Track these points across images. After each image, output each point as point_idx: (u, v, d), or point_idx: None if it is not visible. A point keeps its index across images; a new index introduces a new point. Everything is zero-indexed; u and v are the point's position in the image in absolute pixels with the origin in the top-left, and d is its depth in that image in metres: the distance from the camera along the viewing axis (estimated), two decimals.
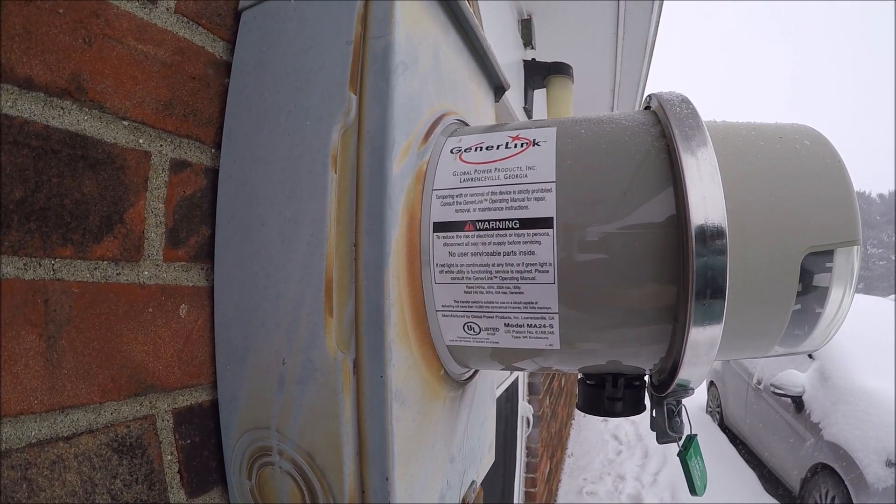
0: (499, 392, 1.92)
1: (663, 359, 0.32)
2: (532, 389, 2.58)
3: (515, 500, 2.34)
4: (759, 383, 3.87)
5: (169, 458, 0.33)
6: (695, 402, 5.72)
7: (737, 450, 4.13)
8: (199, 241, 0.37)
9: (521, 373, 2.31)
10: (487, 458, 0.54)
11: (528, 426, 2.51)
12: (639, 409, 0.37)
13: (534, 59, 1.97)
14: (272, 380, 0.32)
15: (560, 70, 1.88)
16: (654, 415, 0.37)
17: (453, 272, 0.30)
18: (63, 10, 0.27)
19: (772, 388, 3.33)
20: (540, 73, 1.91)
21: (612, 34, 2.17)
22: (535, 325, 0.30)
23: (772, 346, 0.34)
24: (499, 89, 0.58)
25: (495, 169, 0.30)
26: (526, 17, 2.01)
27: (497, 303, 0.30)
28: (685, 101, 0.30)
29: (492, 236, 0.29)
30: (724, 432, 4.64)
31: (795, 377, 3.19)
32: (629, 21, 2.03)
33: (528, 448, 2.53)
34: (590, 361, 0.33)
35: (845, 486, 2.59)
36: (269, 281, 0.32)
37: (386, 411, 0.28)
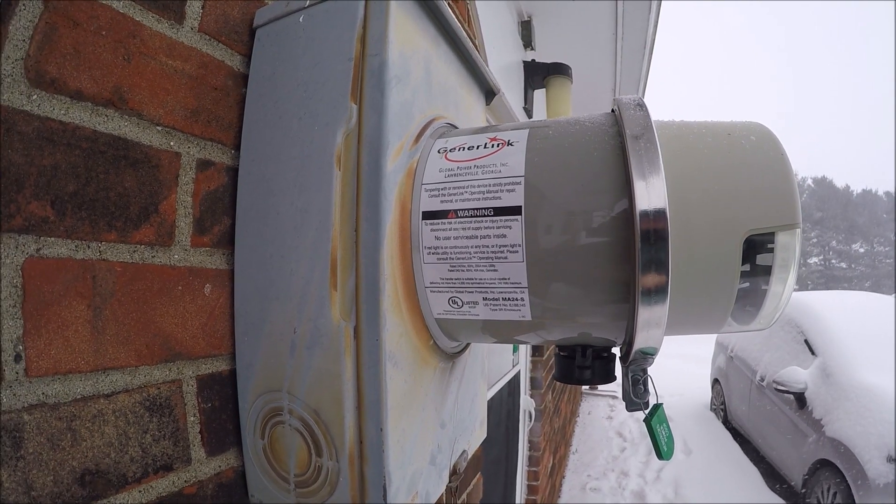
0: (500, 385, 1.96)
1: (625, 331, 0.37)
2: (534, 384, 2.62)
3: (518, 492, 2.38)
4: (763, 380, 3.88)
5: (192, 419, 0.39)
6: (699, 400, 5.73)
7: (740, 447, 4.15)
8: (221, 229, 0.42)
9: (522, 366, 2.35)
10: (479, 433, 0.58)
11: (531, 420, 2.55)
12: (609, 378, 0.41)
13: (533, 60, 2.02)
14: (285, 346, 0.37)
15: (559, 70, 1.92)
16: (623, 384, 0.41)
17: (439, 253, 0.35)
18: (105, 31, 0.33)
19: (774, 385, 3.35)
20: (539, 74, 1.95)
21: (611, 35, 2.21)
22: (509, 299, 0.35)
23: (724, 320, 0.38)
24: (489, 94, 0.63)
25: (475, 166, 0.35)
26: (526, 18, 2.05)
27: (476, 279, 0.35)
28: (639, 105, 0.35)
29: (470, 222, 0.34)
30: (728, 429, 4.66)
31: (798, 374, 3.21)
32: (628, 21, 2.07)
33: (530, 442, 2.56)
34: (561, 333, 0.38)
35: (847, 482, 2.61)
36: (282, 262, 0.37)
37: (381, 370, 0.33)
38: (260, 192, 0.40)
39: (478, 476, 1.21)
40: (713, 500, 3.07)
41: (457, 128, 0.47)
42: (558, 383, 3.28)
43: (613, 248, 0.32)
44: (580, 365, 0.38)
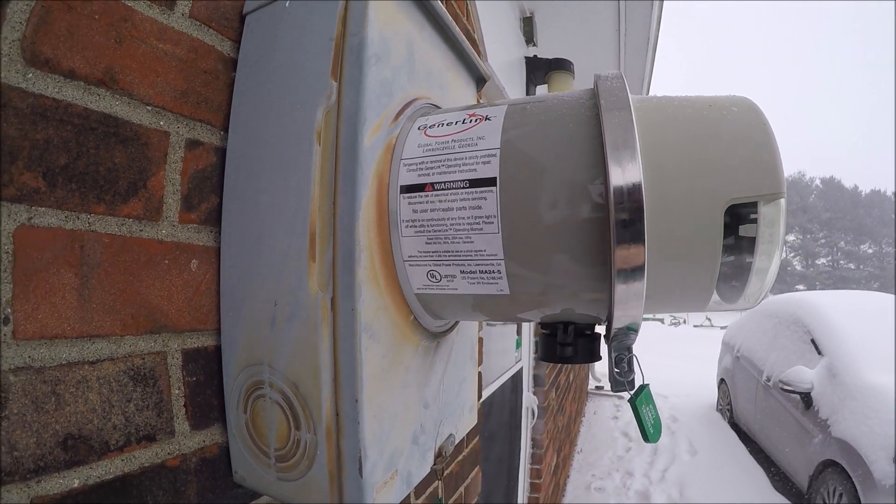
0: (502, 381, 1.96)
1: (606, 307, 0.37)
2: (537, 381, 2.61)
3: (520, 489, 2.37)
4: (769, 380, 3.85)
5: (176, 391, 0.40)
6: (705, 401, 5.70)
7: (746, 447, 4.12)
8: (209, 207, 0.43)
9: (525, 363, 2.35)
10: (468, 418, 0.59)
11: (533, 417, 2.54)
12: (593, 357, 0.41)
13: (535, 56, 2.02)
14: (266, 320, 0.38)
15: (561, 66, 1.92)
16: (608, 364, 0.41)
17: (416, 226, 0.36)
18: (98, 15, 0.34)
19: (780, 385, 3.32)
20: (541, 70, 1.96)
21: (614, 31, 2.22)
22: (486, 272, 0.35)
23: (708, 295, 0.36)
24: (480, 80, 0.64)
25: (452, 140, 0.36)
26: (528, 14, 2.06)
27: (452, 251, 0.35)
28: (617, 77, 0.35)
29: (447, 195, 0.35)
30: (734, 430, 4.63)
31: (804, 374, 3.18)
32: (630, 18, 2.08)
33: (533, 439, 2.56)
34: (542, 309, 0.38)
35: (852, 482, 2.58)
36: (265, 237, 0.38)
37: (356, 341, 0.34)
38: (245, 171, 0.41)
39: (476, 470, 1.21)
40: (718, 501, 3.05)
41: (440, 108, 0.47)
42: (562, 381, 3.27)
43: (591, 222, 0.32)
44: (562, 342, 0.39)
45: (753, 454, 3.99)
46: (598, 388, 6.29)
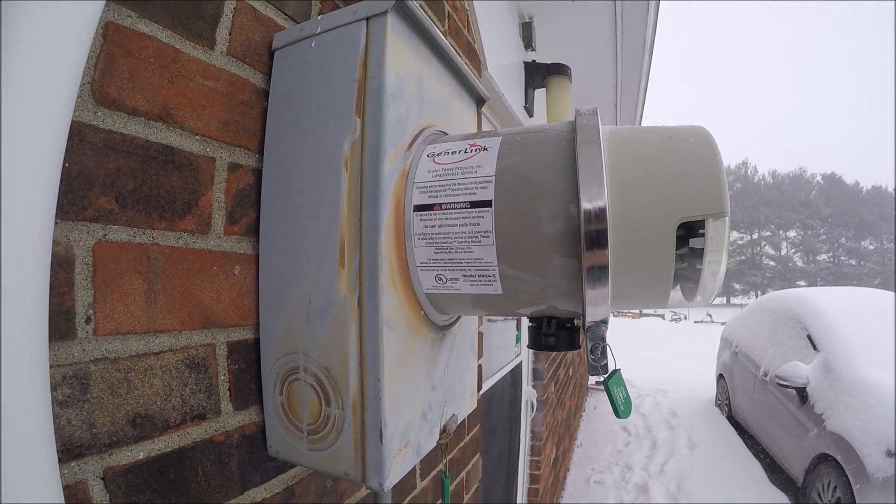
0: (502, 374, 2.03)
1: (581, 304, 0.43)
2: (536, 375, 2.68)
3: (520, 481, 2.44)
4: (766, 375, 3.92)
5: (222, 377, 0.47)
6: (704, 396, 5.78)
7: (743, 441, 4.19)
8: (248, 220, 0.50)
9: (524, 358, 2.41)
10: (469, 402, 0.66)
11: (533, 410, 2.61)
12: (573, 345, 0.48)
13: (534, 61, 2.07)
14: (301, 316, 0.45)
15: (559, 71, 1.97)
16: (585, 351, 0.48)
17: (427, 238, 0.43)
18: (153, 58, 0.41)
19: (776, 380, 3.39)
20: (540, 74, 2.01)
21: (611, 34, 2.27)
22: (483, 276, 0.42)
23: (667, 295, 0.43)
24: (480, 101, 0.70)
25: (456, 167, 0.43)
26: (527, 20, 2.11)
27: (456, 259, 0.42)
28: (593, 114, 0.42)
29: (452, 213, 0.42)
30: (732, 424, 4.70)
31: (800, 369, 3.24)
32: (627, 22, 2.13)
33: (532, 431, 2.63)
34: (531, 306, 0.45)
35: (846, 476, 2.64)
36: (299, 247, 0.45)
37: (378, 332, 0.41)
38: (280, 190, 0.48)
39: (477, 457, 1.27)
40: (715, 494, 3.12)
41: (446, 133, 0.54)
42: (561, 376, 3.34)
43: (566, 237, 0.39)
44: (545, 333, 0.46)
45: (751, 448, 4.06)
46: (598, 383, 6.37)
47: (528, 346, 0.49)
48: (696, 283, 0.46)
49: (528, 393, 2.49)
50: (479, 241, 0.41)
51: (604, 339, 0.46)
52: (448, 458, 1.05)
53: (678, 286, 0.45)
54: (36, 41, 0.29)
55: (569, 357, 3.79)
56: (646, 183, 0.40)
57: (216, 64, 0.47)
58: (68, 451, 0.34)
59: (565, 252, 0.40)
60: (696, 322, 21.12)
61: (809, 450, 3.07)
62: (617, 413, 0.49)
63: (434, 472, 0.97)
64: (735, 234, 55.71)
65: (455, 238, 0.42)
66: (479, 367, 1.20)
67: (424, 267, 0.44)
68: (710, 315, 23.91)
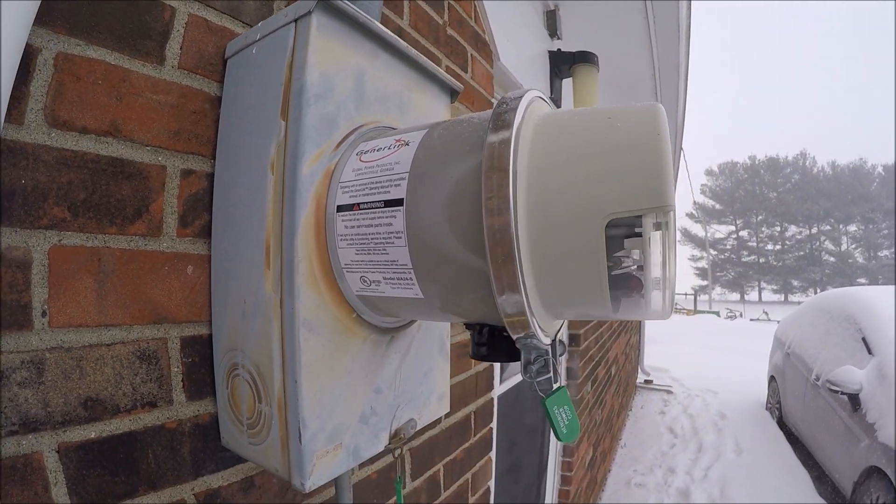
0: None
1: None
2: (570, 374, 2.62)
3: (549, 482, 2.40)
4: (818, 379, 3.58)
5: (175, 369, 0.50)
6: (755, 398, 5.43)
7: (792, 448, 3.89)
8: (201, 223, 0.53)
9: (557, 357, 2.36)
10: (436, 407, 0.64)
11: None
12: (511, 356, 0.42)
13: (559, 50, 2.00)
14: (239, 314, 0.47)
15: (584, 59, 1.89)
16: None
17: (348, 239, 0.44)
18: (101, 81, 0.44)
19: (828, 385, 3.09)
20: (565, 63, 1.93)
21: (642, 18, 2.15)
22: (401, 278, 0.42)
23: (606, 306, 0.36)
24: (453, 93, 0.68)
25: (377, 165, 0.43)
26: (552, 7, 2.04)
27: (375, 261, 0.42)
28: (514, 99, 0.37)
29: (369, 213, 0.42)
30: (782, 429, 4.38)
31: (853, 374, 2.93)
32: (658, 4, 2.02)
33: None
34: (457, 313, 0.42)
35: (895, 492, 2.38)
36: (238, 247, 0.47)
37: (295, 333, 0.42)
38: (226, 193, 0.50)
39: (485, 459, 1.25)
40: (758, 502, 2.92)
41: (394, 128, 0.54)
42: (601, 375, 3.24)
43: (476, 241, 0.36)
44: (477, 342, 0.43)
45: (799, 455, 3.75)
46: (646, 381, 6.10)
47: (470, 355, 0.47)
48: (642, 292, 0.37)
49: None
50: (393, 242, 0.41)
51: (547, 353, 0.42)
52: (449, 459, 1.05)
53: (633, 295, 0.39)
54: None
55: (611, 355, 3.66)
56: (570, 175, 0.34)
57: (167, 78, 0.50)
58: (25, 426, 0.39)
59: (474, 262, 0.37)
60: (751, 320, 19.84)
61: (860, 461, 2.75)
62: (557, 436, 0.45)
63: (430, 473, 0.97)
64: (794, 229, 51.33)
65: (372, 238, 0.42)
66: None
67: (349, 268, 0.45)
68: (766, 313, 22.37)
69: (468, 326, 0.46)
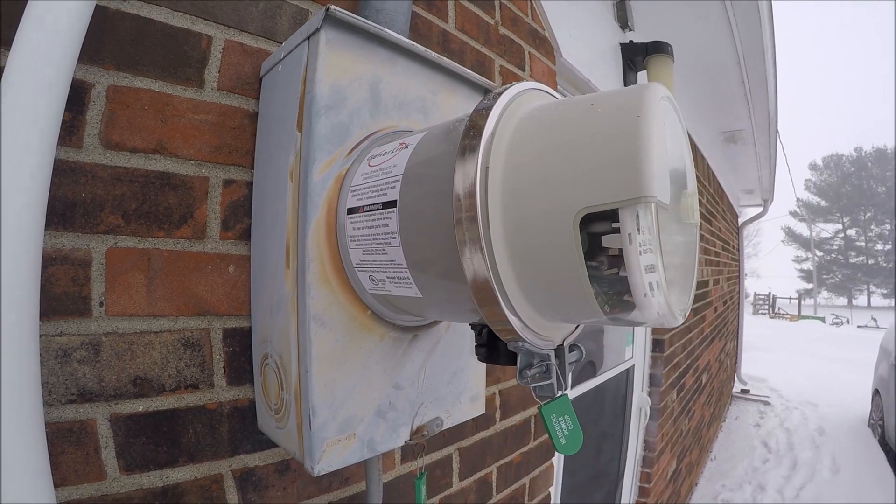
0: (602, 379, 1.92)
1: None
2: (653, 381, 2.47)
3: (625, 490, 2.28)
4: None
5: (217, 356, 0.56)
6: (857, 413, 4.80)
7: (893, 470, 3.34)
8: (242, 227, 0.58)
9: (638, 361, 2.24)
10: (467, 408, 0.64)
11: (645, 418, 2.42)
12: (512, 360, 0.41)
13: (631, 41, 1.90)
14: (268, 309, 0.51)
15: (658, 49, 1.78)
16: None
17: (356, 240, 0.46)
18: (147, 106, 0.51)
19: None
20: (639, 55, 1.83)
21: (719, 3, 1.99)
22: (401, 278, 0.43)
23: (592, 309, 0.33)
24: (486, 92, 0.68)
25: (379, 168, 0.45)
26: None
27: (378, 261, 0.44)
28: (497, 95, 0.36)
29: (370, 215, 0.44)
30: (883, 449, 3.79)
31: None
32: None
33: (645, 441, 2.43)
34: (456, 313, 0.42)
35: None
36: (269, 248, 0.52)
37: (307, 328, 0.45)
38: (260, 201, 0.55)
39: (547, 464, 1.21)
40: None
41: (410, 131, 0.55)
42: (688, 383, 3.00)
43: (456, 248, 0.34)
44: (477, 343, 0.43)
45: None
46: (743, 391, 5.53)
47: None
48: (629, 295, 0.32)
49: (641, 399, 2.29)
50: (389, 243, 0.42)
51: (549, 358, 0.40)
52: (504, 462, 1.04)
53: (627, 299, 0.33)
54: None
55: (701, 362, 3.38)
56: (543, 169, 0.32)
57: (206, 99, 0.55)
58: (82, 396, 0.47)
59: (459, 264, 0.35)
60: (858, 327, 17.31)
61: None
62: (555, 447, 0.43)
63: (481, 474, 0.96)
64: None
65: (374, 239, 0.44)
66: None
67: (360, 267, 0.47)
68: (874, 319, 19.30)
69: (472, 326, 0.46)
